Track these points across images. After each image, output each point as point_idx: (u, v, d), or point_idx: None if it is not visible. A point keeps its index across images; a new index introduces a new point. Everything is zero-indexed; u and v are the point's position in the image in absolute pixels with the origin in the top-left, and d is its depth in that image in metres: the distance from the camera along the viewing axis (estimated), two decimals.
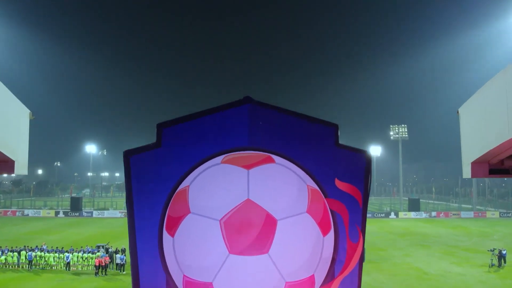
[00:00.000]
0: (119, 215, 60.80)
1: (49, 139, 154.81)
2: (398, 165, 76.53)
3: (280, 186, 5.18)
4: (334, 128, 5.27)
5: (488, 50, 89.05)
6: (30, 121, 7.87)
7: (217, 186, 5.13)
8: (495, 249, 28.36)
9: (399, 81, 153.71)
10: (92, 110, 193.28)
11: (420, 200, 74.37)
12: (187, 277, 5.08)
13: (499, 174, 8.06)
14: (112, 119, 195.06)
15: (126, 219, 5.32)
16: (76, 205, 65.67)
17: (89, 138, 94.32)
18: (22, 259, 26.77)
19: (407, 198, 75.00)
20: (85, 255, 26.58)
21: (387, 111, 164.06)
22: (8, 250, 27.48)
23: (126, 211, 5.34)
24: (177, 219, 5.09)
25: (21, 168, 7.57)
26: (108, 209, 67.89)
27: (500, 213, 66.04)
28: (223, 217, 5.05)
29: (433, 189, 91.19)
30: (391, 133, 74.84)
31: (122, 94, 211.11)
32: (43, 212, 65.62)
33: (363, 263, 5.41)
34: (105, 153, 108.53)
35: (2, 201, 79.56)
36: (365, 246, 5.42)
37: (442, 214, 65.52)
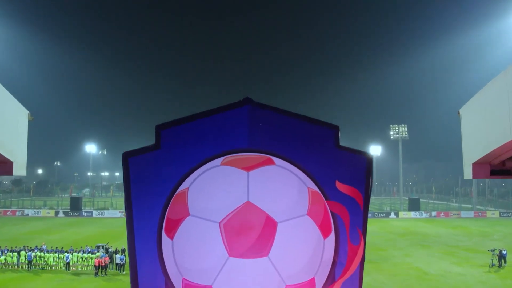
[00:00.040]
0: (119, 215, 60.80)
1: (49, 139, 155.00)
2: (398, 165, 76.57)
3: (280, 188, 5.13)
4: (335, 129, 5.21)
5: (488, 50, 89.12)
6: (30, 121, 7.82)
7: (217, 188, 5.08)
8: (496, 249, 28.36)
9: (399, 81, 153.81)
10: (92, 110, 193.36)
11: (420, 200, 74.45)
12: (187, 280, 5.03)
13: (500, 175, 8.02)
14: (112, 119, 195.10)
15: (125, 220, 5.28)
16: (76, 205, 65.70)
17: (89, 138, 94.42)
18: (21, 259, 26.76)
19: (407, 198, 75.05)
20: (85, 255, 26.57)
21: (387, 111, 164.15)
22: (7, 250, 27.48)
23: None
24: (176, 221, 5.04)
25: (19, 169, 7.52)
26: (108, 209, 67.93)
27: (500, 212, 66.10)
28: (223, 219, 5.00)
29: (433, 188, 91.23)
30: (391, 132, 74.89)
31: (122, 94, 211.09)
32: (43, 212, 65.65)
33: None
34: (105, 152, 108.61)
35: (2, 200, 79.57)
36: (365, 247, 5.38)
37: (442, 214, 65.56)
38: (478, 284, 24.13)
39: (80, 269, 26.38)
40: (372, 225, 49.36)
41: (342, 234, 5.18)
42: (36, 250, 27.29)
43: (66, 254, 26.74)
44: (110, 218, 59.25)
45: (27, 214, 64.51)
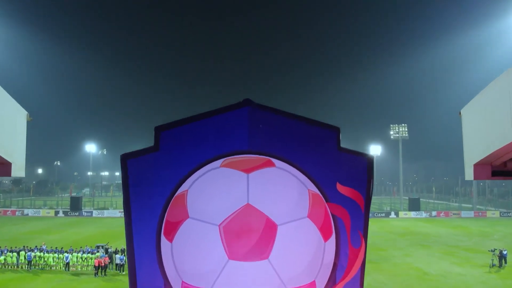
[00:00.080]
0: (118, 214, 60.74)
1: (49, 139, 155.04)
2: (398, 165, 76.52)
3: (280, 190, 5.08)
4: (336, 131, 5.17)
5: (488, 50, 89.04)
6: (28, 122, 7.77)
7: (216, 190, 5.03)
8: (496, 249, 28.32)
9: (399, 81, 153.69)
10: (92, 110, 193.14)
11: (420, 199, 74.41)
12: (186, 283, 4.99)
13: (501, 176, 7.98)
14: (112, 119, 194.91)
15: None
16: (75, 205, 65.66)
17: (89, 137, 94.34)
18: (21, 260, 26.70)
19: (407, 198, 75.01)
20: (85, 255, 26.51)
21: (387, 110, 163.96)
22: (7, 251, 27.43)
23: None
24: (176, 224, 5.00)
25: (18, 170, 7.47)
26: (108, 209, 67.90)
27: (500, 212, 66.04)
28: (223, 222, 4.96)
29: (433, 188, 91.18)
30: (391, 132, 74.82)
31: (122, 94, 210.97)
32: (42, 212, 65.62)
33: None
34: (105, 152, 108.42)
35: (1, 200, 79.49)
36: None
37: (442, 214, 65.53)
38: (479, 284, 24.08)
39: (79, 269, 26.32)
40: (372, 225, 48.98)
41: (343, 237, 5.14)
42: (35, 250, 27.24)
43: (65, 254, 26.69)
44: (110, 218, 59.21)
45: (27, 214, 64.47)
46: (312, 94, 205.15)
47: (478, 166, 7.83)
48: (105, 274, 25.19)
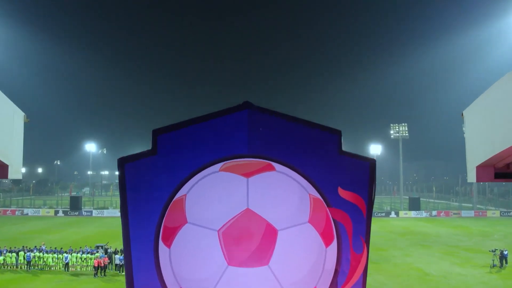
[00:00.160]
0: (118, 214, 59.53)
1: (49, 138, 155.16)
2: (399, 164, 76.51)
3: (281, 195, 4.97)
4: (337, 134, 5.05)
5: (488, 50, 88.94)
6: (27, 122, 7.67)
7: (215, 195, 4.92)
8: (497, 249, 28.27)
9: (399, 80, 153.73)
10: (92, 110, 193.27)
11: (421, 199, 74.43)
12: None
13: (504, 178, 7.87)
14: (112, 119, 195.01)
15: None
16: (75, 204, 65.63)
17: (88, 137, 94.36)
18: (20, 260, 26.65)
19: (407, 197, 74.97)
20: (84, 255, 26.45)
21: (387, 110, 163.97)
22: (6, 251, 27.37)
23: None
24: (174, 229, 4.88)
25: (14, 172, 7.36)
26: (107, 208, 67.87)
27: (500, 212, 66.02)
28: (222, 227, 4.85)
29: (434, 188, 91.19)
30: (392, 132, 74.81)
31: (122, 94, 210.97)
32: (42, 211, 65.58)
33: None
34: (105, 151, 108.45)
35: (1, 200, 79.44)
36: None
37: (442, 213, 65.51)
38: (480, 284, 24.02)
39: (79, 269, 26.27)
40: (373, 225, 48.65)
41: (345, 242, 5.03)
42: (35, 251, 27.18)
43: (65, 254, 26.63)
44: (109, 218, 59.17)
45: (27, 214, 64.42)
46: (312, 94, 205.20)
47: (480, 168, 7.73)
48: (104, 275, 25.13)
